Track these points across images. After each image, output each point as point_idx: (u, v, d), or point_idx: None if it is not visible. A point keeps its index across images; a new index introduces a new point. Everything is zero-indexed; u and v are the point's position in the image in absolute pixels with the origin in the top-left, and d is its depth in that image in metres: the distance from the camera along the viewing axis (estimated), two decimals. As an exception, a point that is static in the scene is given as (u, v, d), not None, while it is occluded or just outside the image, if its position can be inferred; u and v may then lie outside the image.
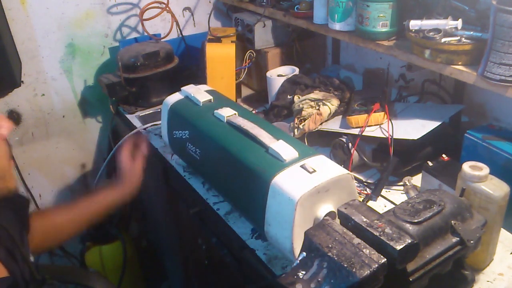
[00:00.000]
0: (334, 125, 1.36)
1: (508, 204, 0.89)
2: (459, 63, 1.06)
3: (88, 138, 2.00)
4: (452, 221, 0.77)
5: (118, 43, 1.88)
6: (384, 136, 1.21)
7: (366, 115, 1.26)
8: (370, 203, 1.15)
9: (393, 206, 0.95)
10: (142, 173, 1.24)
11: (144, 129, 1.59)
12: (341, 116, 1.41)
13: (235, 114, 1.10)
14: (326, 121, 1.39)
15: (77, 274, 1.21)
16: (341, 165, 0.94)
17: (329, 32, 1.41)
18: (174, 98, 1.25)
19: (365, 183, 1.23)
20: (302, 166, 0.90)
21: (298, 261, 0.72)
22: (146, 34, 1.81)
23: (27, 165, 1.86)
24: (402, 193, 1.19)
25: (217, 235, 1.18)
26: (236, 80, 1.67)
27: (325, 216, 0.87)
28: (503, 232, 0.99)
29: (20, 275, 0.82)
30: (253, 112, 1.62)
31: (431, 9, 1.14)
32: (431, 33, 1.08)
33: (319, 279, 0.67)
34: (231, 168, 1.02)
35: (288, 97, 1.51)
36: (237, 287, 1.15)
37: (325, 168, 0.90)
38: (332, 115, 1.40)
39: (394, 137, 1.19)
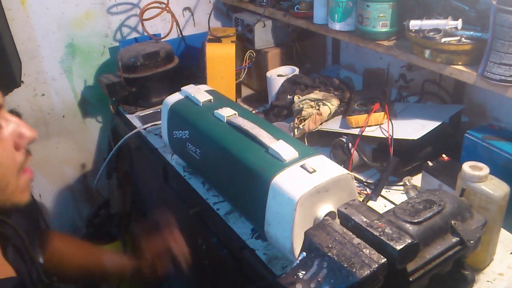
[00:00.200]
0: (334, 125, 1.35)
1: (508, 204, 0.89)
2: (459, 63, 1.06)
3: (88, 138, 2.00)
4: (452, 221, 0.77)
5: (118, 43, 1.88)
6: (384, 136, 1.21)
7: (366, 115, 1.26)
8: (370, 203, 1.15)
9: (393, 206, 0.95)
10: (165, 265, 1.11)
11: (144, 129, 1.59)
12: (341, 116, 1.41)
13: (235, 114, 1.10)
14: (326, 121, 1.39)
15: None
16: (341, 165, 0.94)
17: (329, 32, 1.41)
18: (174, 98, 1.25)
19: (365, 183, 1.23)
20: (302, 166, 0.90)
21: (298, 261, 0.72)
22: (146, 34, 1.81)
23: (27, 165, 1.86)
24: (402, 193, 1.19)
25: (217, 235, 1.18)
26: (236, 80, 1.67)
27: (325, 216, 0.87)
28: (503, 232, 0.99)
29: (28, 276, 0.81)
30: (253, 112, 1.62)
31: (431, 9, 1.14)
32: (431, 33, 1.08)
33: (319, 279, 0.67)
34: (231, 168, 1.02)
35: (288, 97, 1.51)
36: (237, 287, 1.15)
37: (325, 168, 0.90)
38: (332, 115, 1.40)
39: (394, 137, 1.19)
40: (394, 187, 1.21)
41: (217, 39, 1.65)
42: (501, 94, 0.98)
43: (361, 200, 0.98)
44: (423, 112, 1.29)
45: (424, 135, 1.16)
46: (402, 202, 0.82)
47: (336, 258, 0.68)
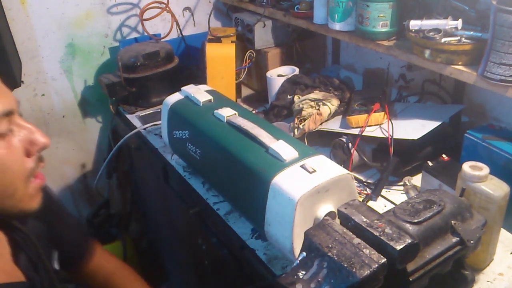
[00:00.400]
0: (334, 125, 1.35)
1: (508, 204, 0.89)
2: (459, 63, 1.06)
3: (88, 138, 2.00)
4: (452, 221, 0.77)
5: (118, 43, 1.88)
6: (384, 136, 1.21)
7: (366, 115, 1.26)
8: (370, 203, 1.15)
9: (393, 206, 0.94)
10: None
11: (144, 129, 1.59)
12: (341, 116, 1.41)
13: (235, 114, 1.10)
14: (326, 121, 1.39)
15: None
16: (341, 165, 0.94)
17: (329, 32, 1.41)
18: (174, 98, 1.25)
19: (365, 183, 1.23)
20: (302, 166, 0.90)
21: (298, 261, 0.72)
22: (146, 34, 1.81)
23: (27, 165, 1.86)
24: (402, 193, 1.19)
25: (217, 235, 1.18)
26: (236, 80, 1.67)
27: (325, 216, 0.87)
28: (503, 232, 0.99)
29: (39, 283, 0.81)
30: (253, 112, 1.62)
31: (431, 9, 1.14)
32: (431, 33, 1.08)
33: (319, 279, 0.67)
34: (231, 168, 1.02)
35: (288, 97, 1.51)
36: (237, 287, 1.15)
37: (325, 168, 0.90)
38: (332, 115, 1.40)
39: (394, 137, 1.19)
40: (394, 187, 1.21)
41: (217, 39, 1.65)
42: (501, 94, 0.98)
43: (361, 200, 0.98)
44: (423, 112, 1.29)
45: (424, 135, 1.16)
46: (402, 202, 0.82)
47: (336, 258, 0.68)
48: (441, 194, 0.82)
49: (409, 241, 0.68)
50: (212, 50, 1.61)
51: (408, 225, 0.75)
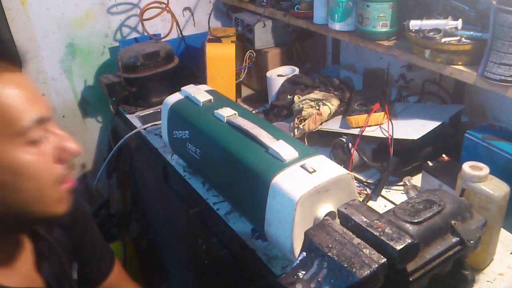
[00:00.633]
0: (334, 125, 1.35)
1: (508, 204, 0.89)
2: (459, 63, 1.06)
3: (88, 138, 2.00)
4: (452, 221, 0.77)
5: (118, 43, 1.88)
6: (384, 136, 1.21)
7: (366, 115, 1.26)
8: (370, 203, 1.15)
9: (393, 206, 0.94)
10: None
11: (144, 129, 1.59)
12: (341, 116, 1.41)
13: (235, 114, 1.10)
14: (326, 121, 1.39)
15: None
16: (341, 165, 0.94)
17: (329, 32, 1.41)
18: (174, 98, 1.25)
19: (365, 183, 1.23)
20: (302, 166, 0.90)
21: (298, 261, 0.72)
22: (146, 34, 1.81)
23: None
24: (402, 193, 1.19)
25: (217, 235, 1.18)
26: (236, 80, 1.67)
27: (325, 216, 0.87)
28: (503, 232, 0.99)
29: None
30: (253, 112, 1.62)
31: (431, 9, 1.14)
32: (431, 33, 1.08)
33: (319, 279, 0.67)
34: (231, 168, 1.02)
35: (288, 97, 1.51)
36: (237, 287, 1.15)
37: (325, 168, 0.90)
38: (332, 115, 1.40)
39: (394, 137, 1.19)
40: (394, 187, 1.21)
41: (217, 39, 1.65)
42: (501, 94, 0.98)
43: (361, 200, 0.98)
44: (423, 112, 1.29)
45: (424, 135, 1.16)
46: (402, 202, 0.82)
47: (336, 258, 0.68)
48: (441, 194, 0.82)
49: (409, 241, 0.68)
50: (212, 50, 1.61)
51: (408, 225, 0.75)
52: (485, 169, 0.88)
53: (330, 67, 1.88)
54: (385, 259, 0.67)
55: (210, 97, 1.19)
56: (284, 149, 0.93)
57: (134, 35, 1.92)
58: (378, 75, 1.68)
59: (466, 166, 0.89)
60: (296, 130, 1.37)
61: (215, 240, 1.18)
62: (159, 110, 1.59)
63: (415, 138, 1.16)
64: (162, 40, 1.84)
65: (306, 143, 1.33)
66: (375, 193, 1.17)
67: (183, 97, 1.24)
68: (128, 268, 1.82)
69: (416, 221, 0.75)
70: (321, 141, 1.38)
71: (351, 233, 0.72)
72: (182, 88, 1.26)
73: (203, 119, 1.14)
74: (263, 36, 1.74)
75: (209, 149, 1.10)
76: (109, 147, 1.90)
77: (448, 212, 0.78)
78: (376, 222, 0.73)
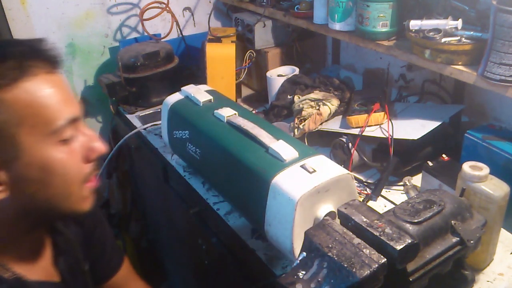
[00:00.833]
0: (334, 125, 1.35)
1: (508, 204, 0.89)
2: (459, 63, 1.06)
3: (88, 138, 1.99)
4: (452, 221, 0.77)
5: (118, 43, 1.88)
6: (384, 136, 1.21)
7: (366, 115, 1.26)
8: (370, 203, 1.15)
9: (393, 206, 0.94)
10: None
11: (144, 129, 1.59)
12: (341, 116, 1.41)
13: (235, 114, 1.10)
14: (326, 121, 1.39)
15: None
16: (341, 165, 0.94)
17: (329, 32, 1.41)
18: (174, 98, 1.25)
19: (365, 183, 1.23)
20: (302, 166, 0.90)
21: (298, 261, 0.72)
22: (146, 34, 1.81)
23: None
24: (402, 193, 1.19)
25: (217, 235, 1.18)
26: (236, 80, 1.67)
27: (325, 216, 0.87)
28: (503, 232, 0.99)
29: (73, 284, 0.84)
30: (253, 112, 1.62)
31: (431, 9, 1.14)
32: (431, 33, 1.08)
33: (319, 279, 0.67)
34: (231, 168, 1.02)
35: (288, 97, 1.51)
36: (237, 287, 1.15)
37: (325, 168, 0.90)
38: (332, 115, 1.40)
39: (394, 137, 1.19)
40: (394, 187, 1.21)
41: (217, 39, 1.65)
42: (501, 94, 0.98)
43: (361, 200, 0.98)
44: (423, 112, 1.29)
45: (424, 135, 1.16)
46: (402, 202, 0.82)
47: (336, 258, 0.68)
48: (441, 194, 0.82)
49: (409, 241, 0.68)
50: (212, 50, 1.61)
51: (408, 225, 0.75)
52: (485, 169, 0.88)
53: (330, 67, 1.88)
54: (385, 259, 0.67)
55: (210, 97, 1.19)
56: (284, 149, 0.93)
57: (134, 35, 1.92)
58: (378, 75, 1.68)
59: (466, 166, 0.89)
60: (296, 130, 1.37)
61: (215, 240, 1.18)
62: (159, 110, 1.59)
63: (415, 138, 1.16)
64: (162, 40, 1.84)
65: (306, 143, 1.33)
66: (375, 193, 1.17)
67: (183, 97, 1.24)
68: (128, 268, 1.83)
69: (416, 221, 0.75)
70: (321, 141, 1.38)
71: (351, 233, 0.73)
72: (182, 88, 1.26)
73: (203, 119, 1.14)
74: (263, 36, 1.74)
75: (209, 149, 1.10)
76: (109, 147, 1.90)
77: (448, 212, 0.78)
78: (376, 222, 0.73)
